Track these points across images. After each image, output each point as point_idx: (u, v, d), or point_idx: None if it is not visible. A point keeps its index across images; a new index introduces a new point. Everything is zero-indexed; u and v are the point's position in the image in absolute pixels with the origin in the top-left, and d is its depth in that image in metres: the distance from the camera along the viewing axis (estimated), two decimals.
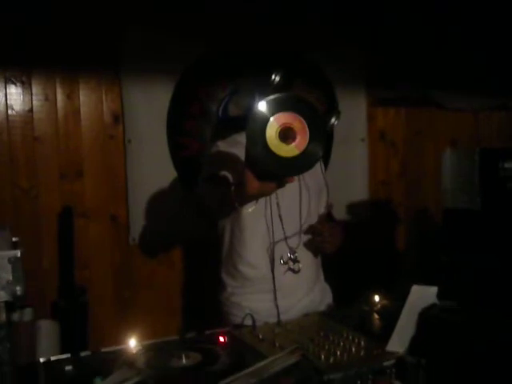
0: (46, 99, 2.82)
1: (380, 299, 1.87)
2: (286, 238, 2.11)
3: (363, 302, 1.91)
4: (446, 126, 3.82)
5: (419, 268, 2.18)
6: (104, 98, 2.93)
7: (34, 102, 2.79)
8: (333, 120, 1.90)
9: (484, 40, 3.52)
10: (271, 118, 1.35)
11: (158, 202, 2.99)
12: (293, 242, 2.13)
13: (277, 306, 2.09)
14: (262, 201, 1.94)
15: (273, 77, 1.89)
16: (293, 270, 2.14)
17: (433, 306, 1.59)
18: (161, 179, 3.01)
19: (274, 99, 1.38)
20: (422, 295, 1.61)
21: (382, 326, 1.72)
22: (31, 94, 2.79)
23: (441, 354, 1.46)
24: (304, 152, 1.36)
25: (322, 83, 1.97)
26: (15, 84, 2.76)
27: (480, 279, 1.54)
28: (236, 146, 2.12)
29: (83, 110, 2.89)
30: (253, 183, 1.45)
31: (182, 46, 3.00)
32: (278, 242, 2.10)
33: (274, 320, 1.92)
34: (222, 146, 2.15)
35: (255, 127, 1.35)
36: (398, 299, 1.70)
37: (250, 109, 1.40)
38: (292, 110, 1.37)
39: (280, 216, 2.09)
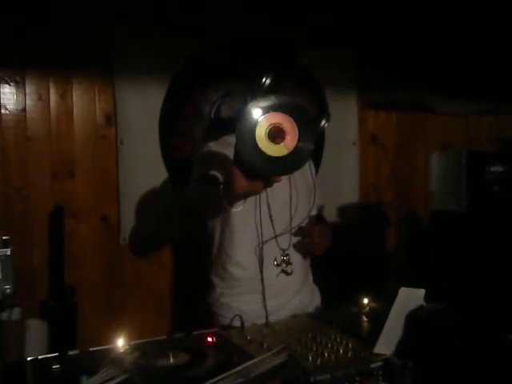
0: (40, 99, 2.82)
1: (368, 301, 1.88)
2: (276, 239, 2.12)
3: (351, 303, 1.92)
4: (437, 130, 3.85)
5: (408, 270, 2.19)
6: (97, 98, 2.93)
7: (28, 102, 2.80)
8: (323, 122, 1.90)
9: (474, 44, 3.54)
10: (261, 118, 1.34)
11: (149, 202, 2.99)
12: (283, 242, 2.14)
13: (265, 307, 2.09)
14: (251, 200, 1.96)
15: (263, 79, 1.90)
16: (285, 272, 2.14)
17: (420, 308, 1.60)
18: (152, 180, 3.01)
19: (264, 99, 1.38)
20: (410, 297, 1.62)
21: (370, 328, 1.73)
22: (25, 94, 2.79)
23: (428, 356, 1.47)
24: (293, 152, 1.36)
25: (312, 86, 1.99)
26: (9, 83, 2.76)
27: (467, 281, 1.56)
28: (227, 147, 2.11)
29: (76, 110, 2.89)
30: (240, 182, 1.44)
31: (175, 48, 3.00)
32: (267, 242, 2.10)
33: (262, 321, 1.92)
34: (214, 146, 2.15)
35: (245, 126, 1.34)
36: (386, 301, 1.71)
37: (240, 110, 1.41)
38: (282, 111, 1.37)
39: (270, 216, 2.10)
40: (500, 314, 1.45)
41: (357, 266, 3.29)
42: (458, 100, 3.68)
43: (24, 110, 2.79)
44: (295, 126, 1.37)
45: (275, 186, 1.50)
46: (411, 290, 1.63)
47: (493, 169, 1.63)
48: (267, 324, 1.85)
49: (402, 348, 1.56)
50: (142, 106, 2.97)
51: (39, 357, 1.54)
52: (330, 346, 1.61)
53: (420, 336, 1.53)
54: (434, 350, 1.47)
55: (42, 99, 2.83)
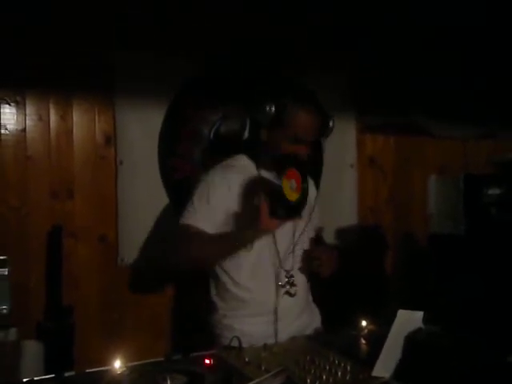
0: (40, 119, 2.83)
1: (367, 324, 1.87)
2: (280, 260, 2.13)
3: (350, 326, 1.92)
4: (435, 154, 3.86)
5: (406, 292, 2.19)
6: (97, 118, 2.95)
7: (28, 122, 2.81)
8: (325, 136, 2.18)
9: (473, 68, 3.58)
10: (283, 177, 1.80)
11: (148, 223, 2.99)
12: (286, 264, 2.15)
13: (276, 330, 2.10)
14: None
15: (267, 108, 1.98)
16: (289, 294, 2.14)
17: (418, 330, 1.60)
18: (151, 201, 3.01)
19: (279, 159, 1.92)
20: (408, 320, 1.62)
21: (369, 350, 1.72)
22: (25, 114, 2.80)
23: (426, 379, 1.47)
24: (301, 193, 1.85)
25: (315, 106, 2.05)
26: (9, 104, 2.77)
27: (465, 304, 1.56)
28: (231, 170, 2.17)
29: (76, 130, 2.90)
30: (266, 221, 1.82)
31: (175, 69, 3.03)
32: (271, 263, 2.12)
33: (268, 342, 1.90)
34: (219, 171, 2.17)
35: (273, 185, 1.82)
36: (385, 324, 1.70)
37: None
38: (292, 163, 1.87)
39: (274, 237, 2.10)
40: (497, 336, 1.45)
41: (355, 288, 3.28)
42: (456, 124, 3.70)
43: (24, 130, 2.80)
44: (299, 173, 1.86)
45: None
46: (409, 312, 1.63)
47: (490, 191, 1.64)
48: (265, 346, 1.84)
49: (400, 371, 1.56)
50: (141, 127, 2.99)
51: (35, 378, 1.53)
52: (328, 368, 1.60)
53: (418, 359, 1.52)
54: (433, 372, 1.47)
55: (42, 119, 2.84)
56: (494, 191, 1.57)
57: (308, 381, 1.50)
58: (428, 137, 3.79)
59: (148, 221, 3.00)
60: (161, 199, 3.04)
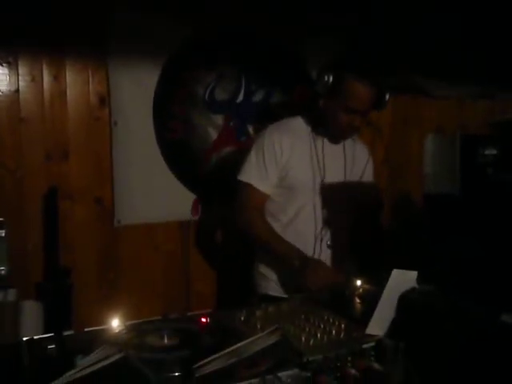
0: (33, 80, 2.80)
1: (361, 283, 1.89)
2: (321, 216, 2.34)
3: (344, 285, 1.94)
4: (431, 114, 3.85)
5: (400, 253, 2.21)
6: (90, 79, 2.92)
7: (21, 83, 2.77)
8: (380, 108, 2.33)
9: (471, 28, 3.53)
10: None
11: (143, 184, 3.00)
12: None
13: None
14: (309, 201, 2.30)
15: (325, 78, 2.08)
16: (327, 245, 2.37)
17: (412, 289, 1.62)
18: (146, 161, 3.01)
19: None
20: (402, 279, 1.63)
21: (363, 309, 1.74)
22: (17, 75, 2.77)
23: (420, 337, 1.49)
24: None
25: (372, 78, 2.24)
26: (1, 64, 2.73)
27: (459, 264, 1.57)
28: (287, 130, 2.34)
29: (69, 91, 2.87)
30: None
31: (169, 29, 2.98)
32: (313, 215, 2.33)
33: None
34: (274, 132, 2.33)
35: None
36: (378, 283, 1.72)
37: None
38: None
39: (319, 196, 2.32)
40: (491, 295, 1.47)
41: (350, 248, 3.29)
42: (454, 84, 3.68)
43: (17, 91, 2.77)
44: None
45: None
46: (404, 271, 1.64)
47: (487, 151, 1.64)
48: (260, 306, 1.86)
49: (394, 329, 1.58)
50: (135, 88, 2.96)
51: (35, 337, 1.55)
52: (322, 327, 1.63)
53: (412, 317, 1.54)
54: (426, 331, 1.49)
55: (35, 80, 2.81)
56: (490, 151, 1.57)
57: (302, 339, 1.52)
58: (425, 97, 3.76)
59: (143, 181, 3.00)
60: (156, 160, 3.04)
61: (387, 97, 2.27)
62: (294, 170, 2.27)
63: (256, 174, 2.27)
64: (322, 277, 2.03)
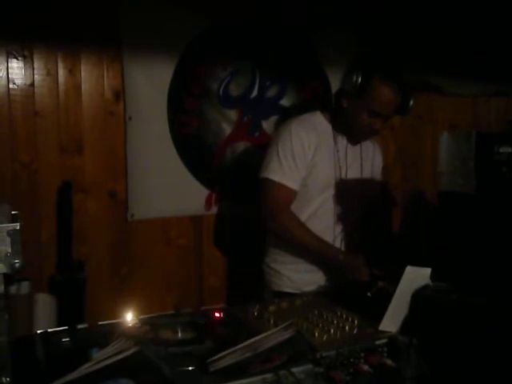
0: (48, 74, 2.81)
1: (375, 280, 1.90)
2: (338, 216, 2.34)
3: (359, 282, 1.95)
4: (445, 111, 3.83)
5: (414, 250, 2.22)
6: (105, 74, 2.92)
7: (36, 77, 2.79)
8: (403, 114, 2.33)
9: (485, 27, 3.51)
10: None
11: (157, 178, 3.01)
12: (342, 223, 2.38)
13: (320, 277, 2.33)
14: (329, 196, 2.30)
15: (353, 78, 2.07)
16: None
17: (426, 286, 1.62)
18: (160, 156, 3.01)
19: None
20: (416, 276, 1.63)
21: (376, 306, 1.74)
22: (33, 69, 2.78)
23: (432, 334, 1.49)
24: None
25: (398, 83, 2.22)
26: (17, 58, 2.74)
27: (472, 262, 1.57)
28: (309, 125, 2.30)
29: (84, 85, 2.88)
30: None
31: (183, 24, 2.98)
32: (329, 217, 2.34)
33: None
34: (297, 128, 2.28)
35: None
36: (392, 280, 1.72)
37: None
38: None
39: (337, 196, 2.31)
40: (505, 293, 1.46)
41: (364, 244, 3.29)
42: (468, 82, 3.66)
43: (32, 84, 2.78)
44: None
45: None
46: (417, 268, 1.64)
47: (501, 150, 1.63)
48: (274, 301, 1.87)
49: (407, 326, 1.58)
50: (150, 83, 2.96)
51: (49, 330, 1.56)
52: (336, 322, 1.63)
53: (425, 314, 1.54)
54: (439, 327, 1.49)
55: (51, 74, 2.82)
56: (505, 149, 1.55)
57: (316, 334, 1.53)
58: (439, 94, 3.74)
59: (157, 176, 3.01)
60: (170, 155, 3.04)
61: (411, 103, 2.25)
62: (317, 168, 2.25)
63: (287, 171, 2.21)
64: (365, 269, 2.03)
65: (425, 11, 3.42)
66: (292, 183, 2.21)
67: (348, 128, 2.29)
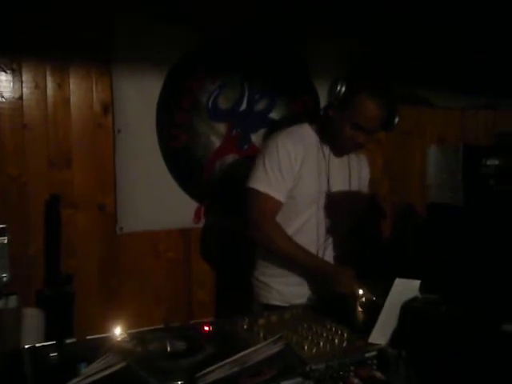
0: (36, 87, 2.80)
1: (364, 292, 1.89)
2: (324, 228, 2.33)
3: (347, 295, 1.94)
4: (434, 124, 3.86)
5: (403, 262, 2.22)
6: (94, 87, 2.92)
7: (24, 90, 2.78)
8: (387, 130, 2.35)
9: (472, 40, 3.54)
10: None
11: (146, 191, 3.00)
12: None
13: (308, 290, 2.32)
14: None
15: (338, 88, 2.07)
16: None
17: (415, 299, 1.62)
18: (149, 169, 3.01)
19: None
20: (405, 288, 1.64)
21: (366, 318, 1.74)
22: (21, 82, 2.77)
23: (422, 346, 1.49)
24: None
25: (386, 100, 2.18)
26: (5, 71, 2.74)
27: (461, 274, 1.58)
28: (296, 137, 2.29)
29: (73, 98, 2.88)
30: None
31: (173, 37, 3.00)
32: (315, 230, 2.32)
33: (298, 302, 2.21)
34: (284, 139, 2.27)
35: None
36: (381, 293, 1.72)
37: None
38: None
39: (323, 209, 2.31)
40: (492, 305, 1.47)
41: (352, 257, 3.29)
42: (456, 95, 3.68)
43: (21, 97, 2.78)
44: None
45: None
46: (406, 280, 1.65)
47: (489, 162, 1.64)
48: (263, 314, 1.87)
49: (396, 338, 1.58)
50: (139, 96, 2.97)
51: (36, 345, 1.55)
52: (325, 335, 1.63)
53: (414, 326, 1.55)
54: (428, 340, 1.49)
55: (39, 87, 2.82)
56: (492, 162, 1.57)
57: (305, 347, 1.53)
58: (427, 107, 3.77)
59: (146, 189, 3.01)
60: (159, 168, 3.04)
61: (396, 120, 2.25)
62: (304, 180, 2.24)
63: (273, 182, 2.19)
64: (354, 281, 2.02)
65: (415, 26, 3.46)
66: (278, 194, 2.20)
67: (333, 139, 2.29)
